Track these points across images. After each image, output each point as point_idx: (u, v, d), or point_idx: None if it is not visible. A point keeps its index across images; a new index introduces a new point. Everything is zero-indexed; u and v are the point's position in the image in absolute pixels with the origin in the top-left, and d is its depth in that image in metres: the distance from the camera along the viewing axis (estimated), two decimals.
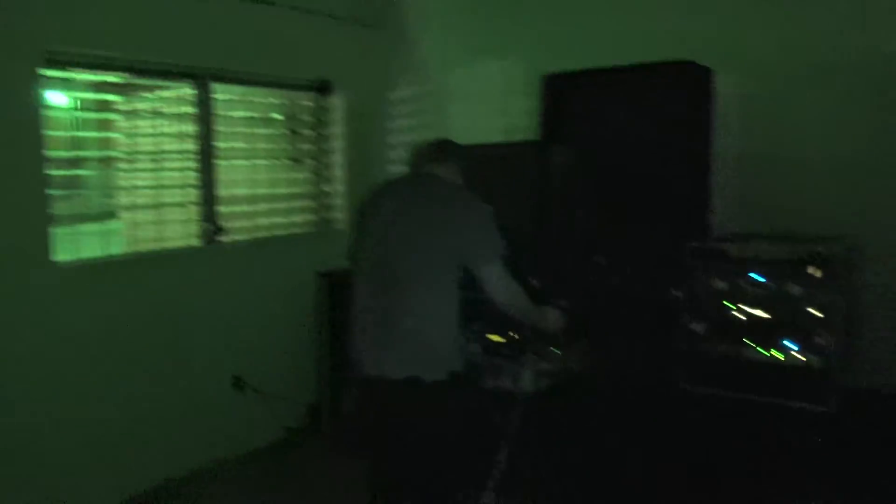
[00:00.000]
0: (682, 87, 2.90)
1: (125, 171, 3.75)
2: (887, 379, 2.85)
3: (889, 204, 3.08)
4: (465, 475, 2.52)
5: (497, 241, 2.41)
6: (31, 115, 3.10)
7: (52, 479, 3.16)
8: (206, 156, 3.90)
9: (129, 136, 3.80)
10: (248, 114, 4.23)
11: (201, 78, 3.84)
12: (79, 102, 3.43)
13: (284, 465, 3.89)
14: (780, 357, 2.61)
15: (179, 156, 3.85)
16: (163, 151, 3.81)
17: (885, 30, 3.05)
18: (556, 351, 2.74)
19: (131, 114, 3.79)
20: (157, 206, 3.76)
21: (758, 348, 2.66)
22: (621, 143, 3.02)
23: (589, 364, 2.90)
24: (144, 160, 3.78)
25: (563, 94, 3.09)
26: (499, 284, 2.40)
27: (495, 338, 2.78)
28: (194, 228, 3.90)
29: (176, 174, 3.87)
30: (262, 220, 4.33)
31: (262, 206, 4.33)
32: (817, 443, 2.58)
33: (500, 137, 3.77)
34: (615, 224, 3.04)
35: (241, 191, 4.18)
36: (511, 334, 2.79)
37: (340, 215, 4.59)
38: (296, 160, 4.62)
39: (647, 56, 3.00)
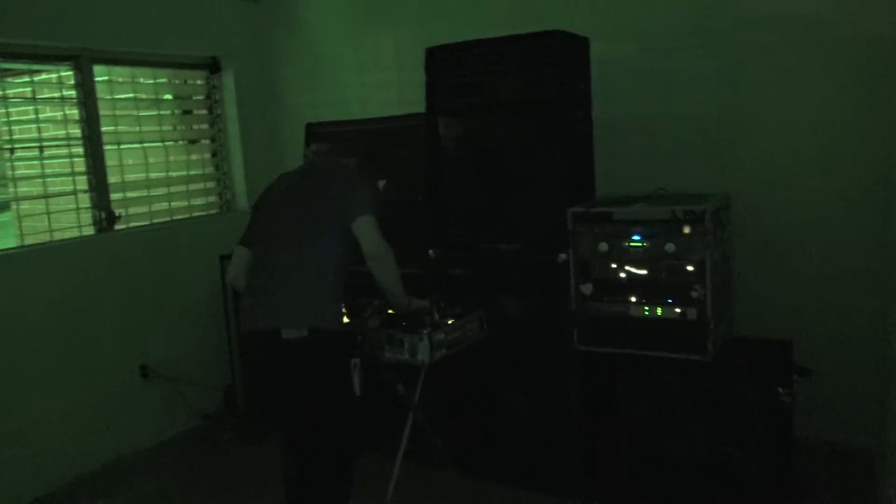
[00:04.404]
0: (557, 55, 2.96)
1: (7, 160, 3.60)
2: (757, 326, 3.07)
3: (756, 159, 3.28)
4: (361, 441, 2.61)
5: (370, 196, 2.57)
6: None
7: None
8: (94, 141, 3.77)
9: (9, 123, 3.64)
10: (138, 95, 4.11)
11: (80, 59, 3.69)
12: None
13: (199, 451, 3.87)
14: (660, 312, 2.77)
15: (65, 142, 3.72)
16: (47, 138, 3.67)
17: None
18: (451, 321, 2.81)
19: (9, 100, 3.62)
20: (47, 195, 3.63)
21: (641, 305, 2.82)
22: (504, 114, 3.08)
23: (484, 331, 3.00)
24: (29, 148, 3.64)
25: (445, 66, 3.12)
26: (373, 236, 2.47)
27: (392, 311, 2.83)
28: (87, 217, 3.79)
29: (64, 161, 3.73)
30: (161, 205, 4.24)
31: (160, 191, 4.24)
32: (696, 389, 2.78)
33: (395, 110, 3.79)
34: (505, 192, 3.12)
35: (135, 175, 4.07)
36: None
37: (241, 196, 4.53)
38: (192, 141, 4.53)
39: (533, 26, 3.06)
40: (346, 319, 2.73)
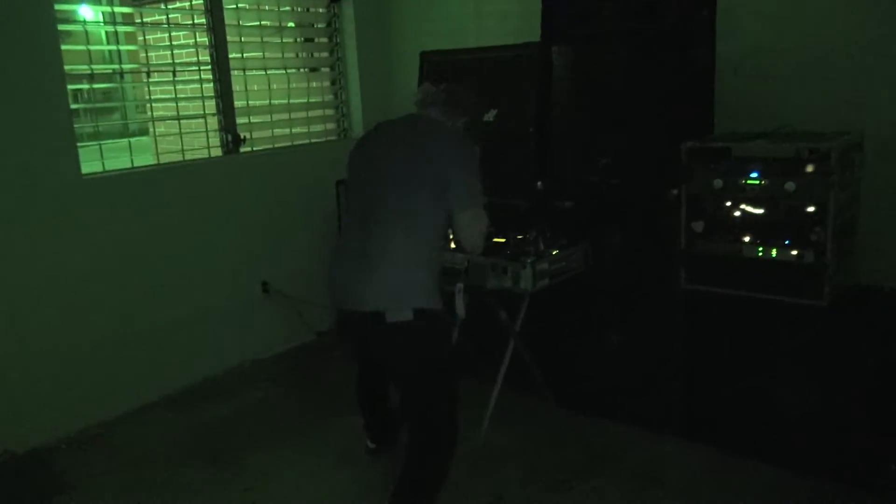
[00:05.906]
0: None
1: (146, 84, 3.86)
2: (886, 275, 2.88)
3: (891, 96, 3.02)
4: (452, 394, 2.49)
5: (476, 187, 2.36)
6: (48, 31, 3.14)
7: (94, 380, 3.44)
8: (221, 67, 3.96)
9: (146, 49, 3.88)
10: (263, 23, 4.25)
11: None
12: (101, 16, 3.51)
13: (310, 365, 4.11)
14: (774, 253, 2.66)
15: (196, 68, 3.93)
16: (179, 64, 3.89)
17: None
18: (555, 252, 2.82)
19: (146, 26, 3.85)
20: (179, 118, 3.87)
21: (755, 245, 2.71)
22: (622, 44, 2.98)
23: (589, 264, 2.99)
24: (164, 72, 3.87)
25: None
26: (474, 234, 2.37)
27: (498, 239, 2.87)
28: (215, 139, 4.02)
29: (195, 86, 3.96)
30: (283, 130, 4.42)
31: (282, 116, 4.42)
32: (810, 336, 2.66)
33: (511, 40, 3.73)
34: (617, 125, 3.05)
35: (259, 101, 4.25)
36: (513, 235, 2.89)
37: (358, 123, 4.65)
38: (313, 69, 4.66)
39: None
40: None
